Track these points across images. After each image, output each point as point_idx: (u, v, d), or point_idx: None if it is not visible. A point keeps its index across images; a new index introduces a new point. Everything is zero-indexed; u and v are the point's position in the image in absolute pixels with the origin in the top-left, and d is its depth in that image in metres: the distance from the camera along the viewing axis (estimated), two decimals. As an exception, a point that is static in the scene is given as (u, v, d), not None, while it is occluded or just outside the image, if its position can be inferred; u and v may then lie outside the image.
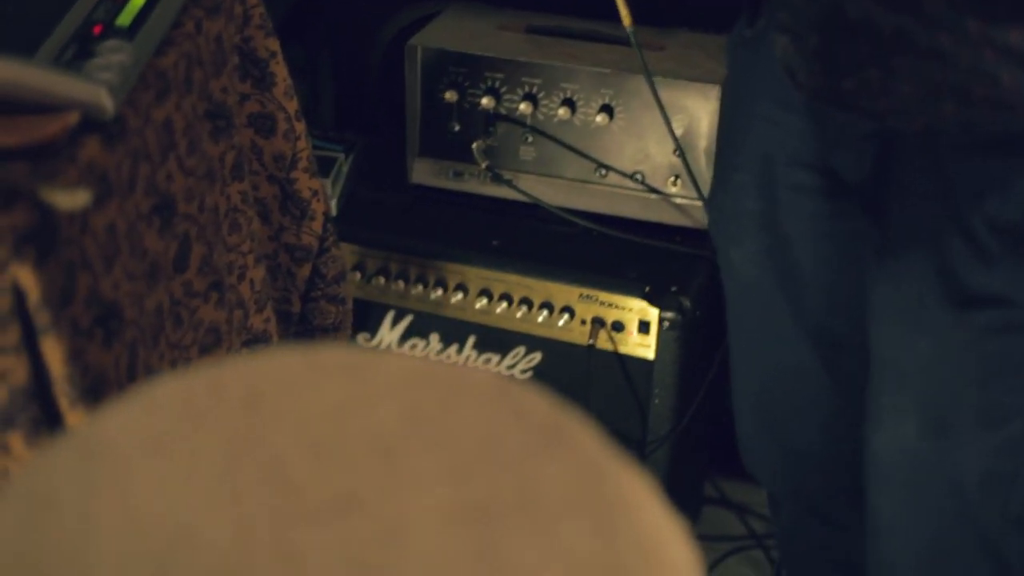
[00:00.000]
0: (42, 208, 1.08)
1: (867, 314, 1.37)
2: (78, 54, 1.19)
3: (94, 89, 1.16)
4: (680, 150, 1.87)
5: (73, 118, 1.14)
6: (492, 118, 1.91)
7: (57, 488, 0.71)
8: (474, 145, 1.92)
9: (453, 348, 1.91)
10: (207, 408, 0.73)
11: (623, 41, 1.93)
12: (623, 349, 1.84)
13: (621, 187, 1.92)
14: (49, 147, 1.13)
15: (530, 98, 1.89)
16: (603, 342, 1.84)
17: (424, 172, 1.97)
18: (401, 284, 1.89)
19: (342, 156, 1.96)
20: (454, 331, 1.90)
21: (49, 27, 1.21)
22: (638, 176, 1.91)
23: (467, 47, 1.90)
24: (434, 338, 1.91)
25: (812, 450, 1.58)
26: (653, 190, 1.91)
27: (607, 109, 1.88)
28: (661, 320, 1.81)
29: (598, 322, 1.84)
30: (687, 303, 1.81)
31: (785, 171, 1.41)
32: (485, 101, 1.90)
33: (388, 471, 0.70)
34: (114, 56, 1.20)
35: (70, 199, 1.07)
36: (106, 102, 1.16)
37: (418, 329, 1.91)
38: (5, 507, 0.71)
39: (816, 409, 1.55)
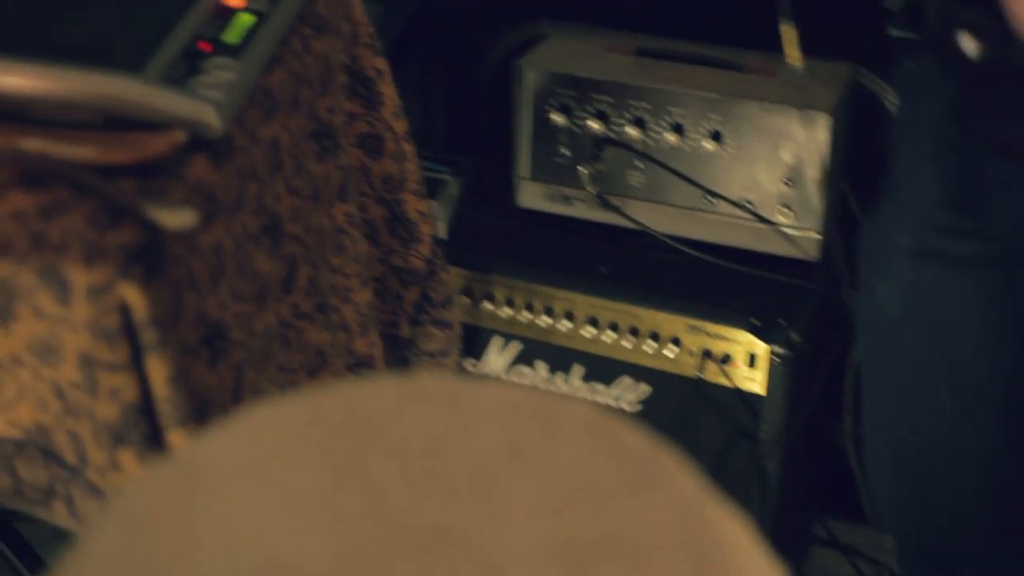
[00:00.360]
0: (149, 227, 1.07)
1: None
2: (186, 71, 1.19)
3: (201, 107, 1.16)
4: (789, 180, 1.83)
5: (180, 136, 1.14)
6: (600, 142, 1.89)
7: (156, 510, 0.70)
8: (582, 170, 1.90)
9: (559, 376, 1.89)
10: (306, 434, 0.72)
11: (733, 66, 1.91)
12: (731, 382, 1.80)
13: (730, 215, 1.89)
14: (156, 165, 1.13)
15: (638, 122, 1.87)
16: (711, 374, 1.81)
17: (532, 196, 1.96)
18: (508, 310, 1.88)
19: (451, 178, 1.95)
20: (561, 359, 1.88)
21: (156, 43, 1.21)
22: (747, 204, 1.88)
23: (575, 69, 1.88)
24: (540, 365, 1.89)
25: (967, 512, 1.49)
26: (762, 219, 1.88)
27: (716, 135, 1.85)
28: (770, 354, 1.77)
29: (706, 354, 1.81)
30: (796, 337, 1.78)
31: (941, 213, 1.35)
32: (593, 125, 1.88)
33: (484, 504, 0.68)
34: (222, 74, 1.20)
35: (176, 218, 1.07)
36: (213, 120, 1.16)
37: (525, 356, 1.89)
38: (105, 527, 0.70)
39: (975, 474, 1.45)
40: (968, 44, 1.19)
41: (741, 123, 1.84)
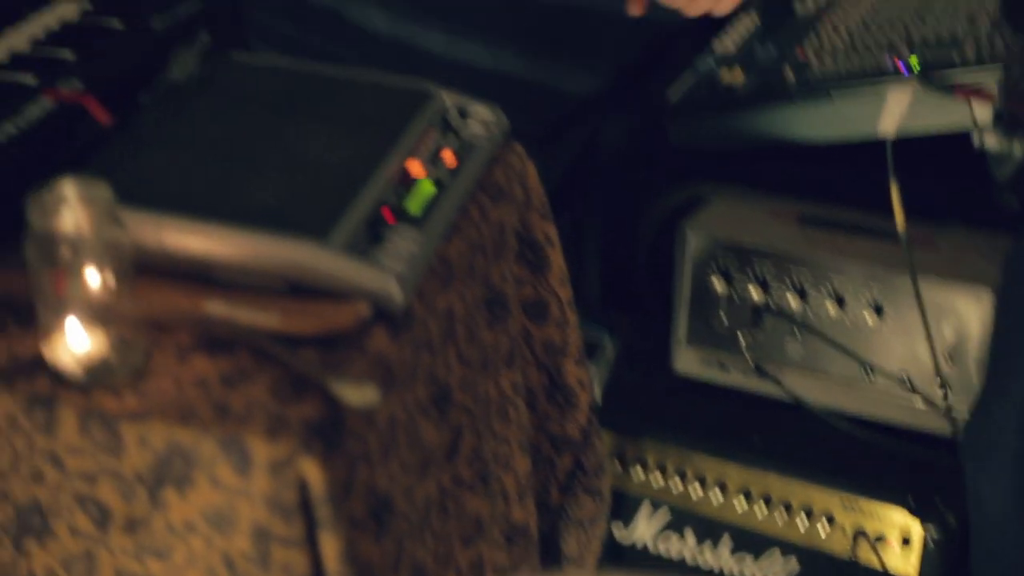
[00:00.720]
0: (331, 401, 1.07)
1: None
2: (369, 241, 1.19)
3: (386, 279, 1.16)
4: (949, 357, 1.79)
5: (365, 310, 1.13)
6: (760, 310, 1.86)
7: None
8: (741, 338, 1.87)
9: (707, 546, 1.85)
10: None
11: (895, 236, 1.88)
12: (883, 565, 1.75)
13: (888, 390, 1.85)
14: (338, 336, 1.13)
15: (799, 292, 1.84)
16: (863, 553, 1.76)
17: (688, 361, 1.93)
18: (659, 476, 1.85)
19: (607, 340, 1.94)
20: (709, 528, 1.84)
21: (341, 210, 1.21)
22: (906, 380, 1.84)
23: (738, 236, 1.86)
24: (689, 534, 1.86)
25: None
26: (921, 396, 1.83)
27: (877, 307, 1.82)
28: (925, 537, 1.72)
29: (859, 533, 1.76)
30: (952, 520, 1.73)
31: None
32: (753, 292, 1.85)
33: None
34: (405, 244, 1.19)
35: (360, 395, 1.06)
36: (396, 293, 1.16)
37: (674, 523, 1.86)
38: None
39: None
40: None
41: (903, 296, 1.80)
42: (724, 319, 1.89)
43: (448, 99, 1.42)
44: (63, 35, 1.62)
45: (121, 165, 1.26)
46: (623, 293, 2.14)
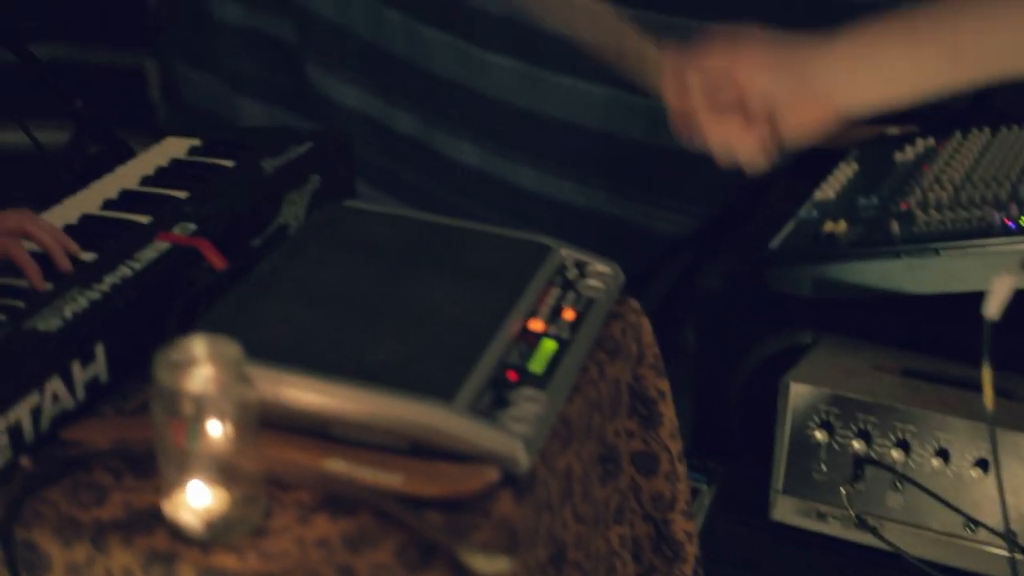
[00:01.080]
0: (459, 568, 1.04)
1: None
2: (494, 401, 1.17)
3: (513, 443, 1.14)
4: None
5: (495, 475, 1.11)
6: (861, 462, 1.83)
7: None
8: (842, 489, 1.84)
9: None
10: None
11: (1003, 392, 1.84)
12: None
13: (990, 545, 1.81)
14: (464, 500, 1.11)
15: (902, 445, 1.81)
16: None
17: (786, 510, 1.90)
18: (750, 627, 1.81)
19: (705, 487, 1.91)
20: None
21: (465, 370, 1.19)
22: (1011, 537, 1.80)
23: (842, 388, 1.83)
24: None
25: None
26: (1024, 552, 1.79)
27: (982, 463, 1.79)
28: None
29: None
30: None
31: None
32: (856, 444, 1.82)
33: None
34: (529, 406, 1.18)
35: (491, 565, 1.04)
36: (523, 458, 1.14)
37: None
38: None
39: None
40: None
41: (1009, 453, 1.77)
42: (824, 469, 1.85)
43: (566, 254, 1.41)
44: (172, 173, 1.63)
45: (240, 315, 1.26)
46: (718, 438, 2.11)
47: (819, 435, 1.84)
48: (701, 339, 2.15)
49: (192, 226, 1.44)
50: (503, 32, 2.41)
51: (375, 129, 2.62)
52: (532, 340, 1.26)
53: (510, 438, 1.14)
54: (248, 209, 1.51)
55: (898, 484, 1.82)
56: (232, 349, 1.07)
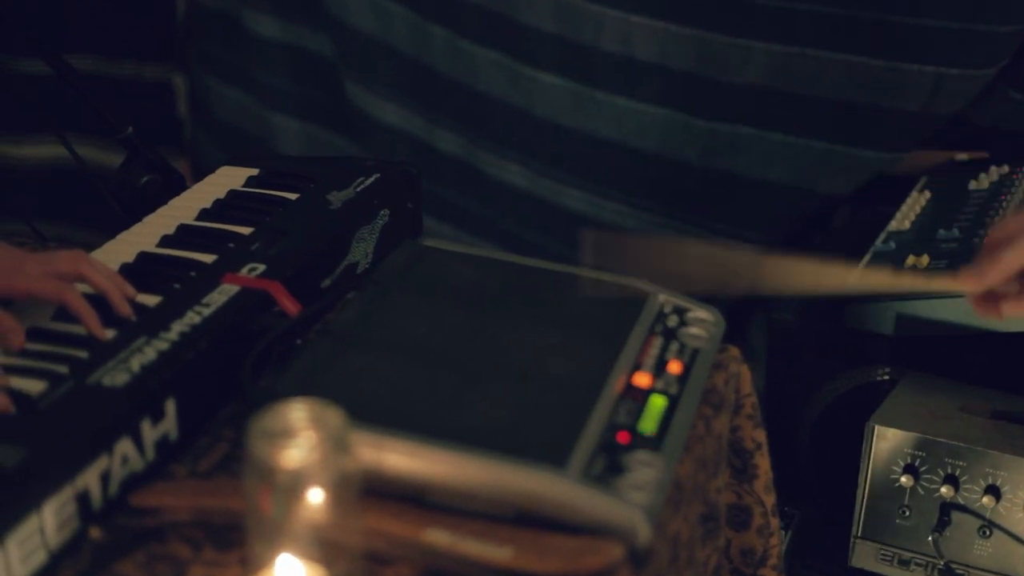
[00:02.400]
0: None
1: None
2: (607, 467, 1.08)
3: (633, 514, 1.05)
4: None
5: (619, 553, 1.02)
6: (948, 507, 1.74)
7: None
8: (930, 537, 1.75)
9: None
10: None
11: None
12: None
13: (1080, 594, 1.73)
14: (580, 577, 1.02)
15: (993, 491, 1.72)
16: None
17: (866, 556, 1.81)
18: None
19: (782, 533, 1.82)
20: None
21: (575, 432, 1.10)
22: (1102, 585, 1.71)
23: (929, 431, 1.74)
24: None
25: None
26: (1116, 600, 1.71)
27: (1075, 509, 1.70)
28: None
29: None
30: None
31: None
32: (943, 489, 1.73)
33: None
34: (645, 471, 1.09)
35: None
36: (644, 531, 1.05)
37: None
38: None
39: None
40: None
41: (1104, 500, 1.69)
42: (908, 514, 1.77)
43: (664, 299, 1.32)
44: (232, 206, 1.54)
45: (327, 372, 1.16)
46: (789, 479, 2.03)
47: (904, 479, 1.75)
48: (771, 375, 2.06)
49: (261, 267, 1.35)
50: (553, 50, 2.32)
51: (416, 148, 2.53)
52: (640, 397, 1.17)
53: (630, 509, 1.05)
54: (318, 247, 1.42)
55: (987, 531, 1.74)
56: (334, 417, 0.98)
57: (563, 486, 1.05)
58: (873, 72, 2.16)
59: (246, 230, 1.45)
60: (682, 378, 1.22)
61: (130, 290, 1.30)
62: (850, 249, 2.04)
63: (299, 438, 0.96)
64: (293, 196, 1.53)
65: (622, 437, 1.12)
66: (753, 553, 1.43)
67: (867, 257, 1.98)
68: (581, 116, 2.34)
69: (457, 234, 2.53)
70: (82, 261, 1.30)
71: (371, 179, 1.55)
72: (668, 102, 2.28)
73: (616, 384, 1.17)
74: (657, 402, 1.17)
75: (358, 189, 1.53)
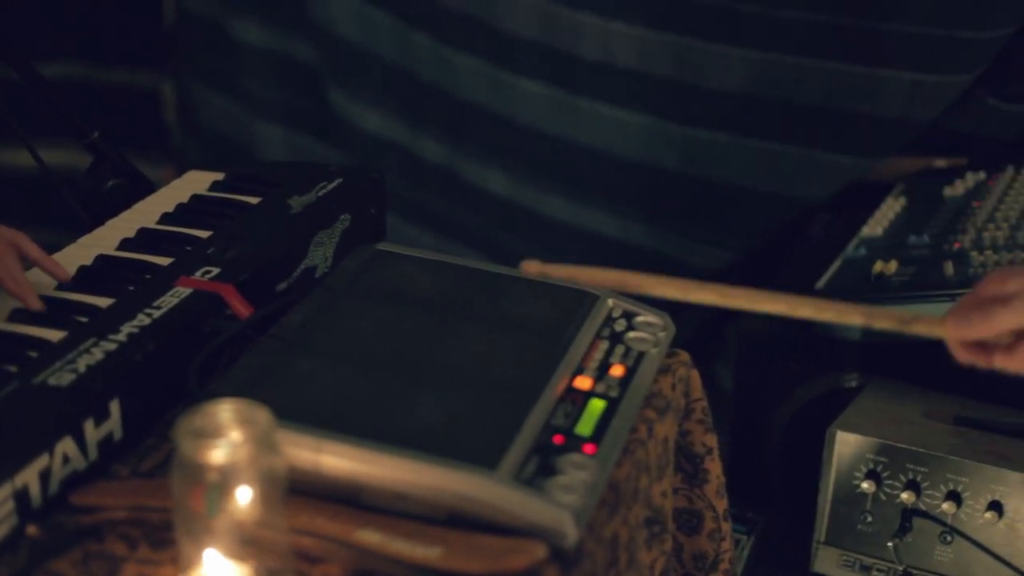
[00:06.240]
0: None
1: None
2: (540, 469, 1.09)
3: (560, 515, 1.06)
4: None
5: (542, 552, 1.03)
6: (909, 514, 1.75)
7: None
8: (889, 543, 1.75)
9: None
10: None
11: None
12: None
13: (1045, 601, 1.73)
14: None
15: (954, 497, 1.73)
16: None
17: (828, 562, 1.81)
18: None
19: (745, 538, 1.83)
20: None
21: (509, 435, 1.11)
22: (1065, 592, 1.72)
23: (891, 437, 1.75)
24: None
25: None
26: (1081, 607, 1.71)
27: (1038, 515, 1.71)
28: None
29: None
30: None
31: None
32: (904, 495, 1.74)
33: None
34: (578, 473, 1.10)
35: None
36: (572, 531, 1.06)
37: None
38: None
39: None
40: None
41: (1066, 506, 1.69)
42: (870, 520, 1.77)
43: (614, 303, 1.33)
44: (194, 210, 1.55)
45: (268, 374, 1.18)
46: (756, 485, 2.03)
47: (866, 485, 1.76)
48: (739, 381, 2.07)
49: (215, 270, 1.37)
50: (534, 57, 2.34)
51: (400, 156, 2.55)
52: (579, 400, 1.18)
53: (558, 510, 1.06)
54: (275, 251, 1.43)
55: (948, 537, 1.74)
56: (262, 416, 0.99)
57: (493, 488, 1.06)
58: (850, 78, 2.17)
59: (206, 234, 1.47)
60: (624, 381, 1.23)
61: (63, 273, 1.34)
62: (826, 255, 2.05)
63: (226, 437, 0.98)
64: (255, 200, 1.55)
65: (557, 439, 1.13)
66: (705, 557, 1.43)
67: (837, 263, 1.98)
68: (562, 122, 2.36)
69: (439, 241, 2.54)
70: (20, 236, 1.33)
71: (333, 184, 1.57)
72: (647, 108, 2.29)
73: (556, 387, 1.18)
74: (596, 405, 1.18)
75: (319, 194, 1.54)
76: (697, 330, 2.22)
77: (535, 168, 2.40)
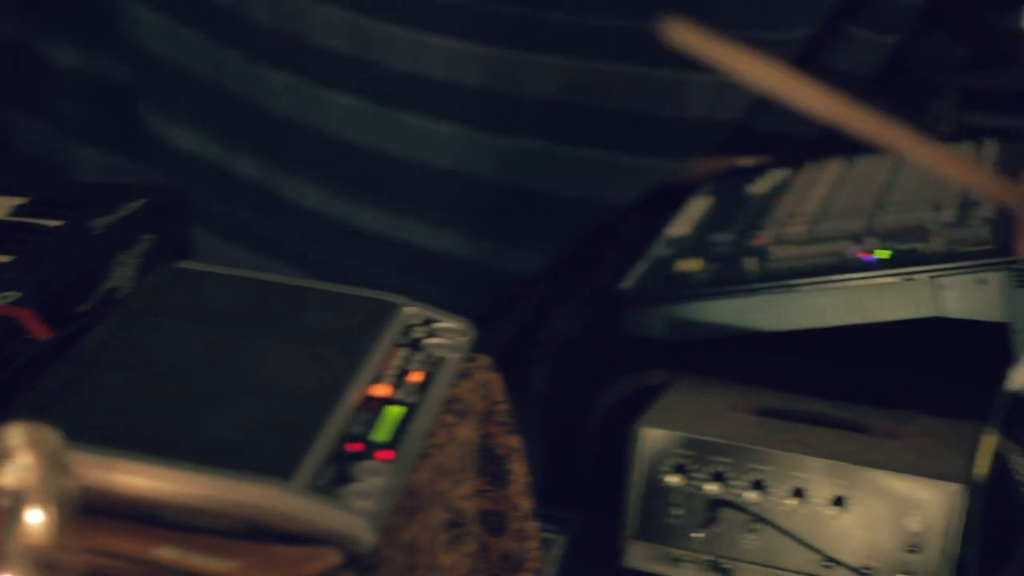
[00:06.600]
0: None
1: None
2: (336, 477, 1.12)
3: (354, 521, 1.09)
4: (913, 548, 1.74)
5: (335, 558, 1.06)
6: (716, 504, 1.80)
7: None
8: (695, 532, 1.81)
9: None
10: None
11: (859, 427, 1.84)
12: None
13: (849, 583, 1.80)
14: (304, 585, 1.06)
15: (758, 486, 1.79)
16: None
17: (639, 556, 1.86)
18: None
19: (557, 536, 1.87)
20: None
21: (304, 445, 1.14)
22: (867, 572, 1.79)
23: (695, 431, 1.80)
24: None
25: None
26: (883, 587, 1.78)
27: (838, 500, 1.77)
28: None
29: None
30: None
31: None
32: (710, 487, 1.80)
33: None
34: (374, 480, 1.13)
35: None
36: (366, 536, 1.09)
37: None
38: None
39: None
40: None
41: (866, 490, 1.76)
42: (678, 513, 1.83)
43: (414, 312, 1.36)
44: (-6, 234, 1.55)
45: (63, 394, 1.19)
46: (572, 486, 2.08)
47: (672, 479, 1.81)
48: (552, 383, 2.11)
49: (14, 294, 1.37)
50: (345, 70, 2.36)
51: (215, 174, 2.55)
52: (376, 407, 1.21)
53: (351, 516, 1.08)
54: (74, 273, 1.44)
55: (754, 526, 1.80)
56: (51, 437, 1.00)
57: (288, 498, 1.08)
58: (656, 82, 2.23)
59: (7, 259, 1.47)
60: (422, 387, 1.26)
61: None
62: (634, 256, 2.11)
63: (14, 459, 0.99)
64: (57, 223, 1.55)
65: (353, 447, 1.16)
66: (511, 558, 1.47)
67: (642, 264, 2.04)
68: (375, 136, 2.38)
69: (258, 258, 2.55)
70: None
71: (136, 204, 1.58)
72: (461, 119, 2.33)
73: (354, 396, 1.21)
74: (393, 412, 1.21)
75: (121, 214, 1.55)
76: (513, 337, 2.26)
77: (349, 181, 2.42)
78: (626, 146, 2.30)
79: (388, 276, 2.39)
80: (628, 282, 2.00)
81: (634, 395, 1.97)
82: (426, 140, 2.34)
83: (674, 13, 2.16)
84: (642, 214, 2.32)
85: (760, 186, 2.25)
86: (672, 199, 2.31)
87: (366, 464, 1.14)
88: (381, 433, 1.18)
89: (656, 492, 1.82)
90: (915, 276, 1.86)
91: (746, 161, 2.42)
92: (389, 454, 1.16)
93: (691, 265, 1.98)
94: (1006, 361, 1.73)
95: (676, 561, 1.85)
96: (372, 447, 1.16)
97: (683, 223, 2.16)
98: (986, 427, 1.73)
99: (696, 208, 2.22)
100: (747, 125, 2.36)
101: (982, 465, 1.73)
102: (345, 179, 2.43)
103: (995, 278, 1.84)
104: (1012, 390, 1.67)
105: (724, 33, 2.16)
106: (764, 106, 2.30)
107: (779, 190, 2.22)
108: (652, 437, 1.80)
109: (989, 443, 1.73)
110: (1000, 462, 1.84)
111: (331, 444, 1.15)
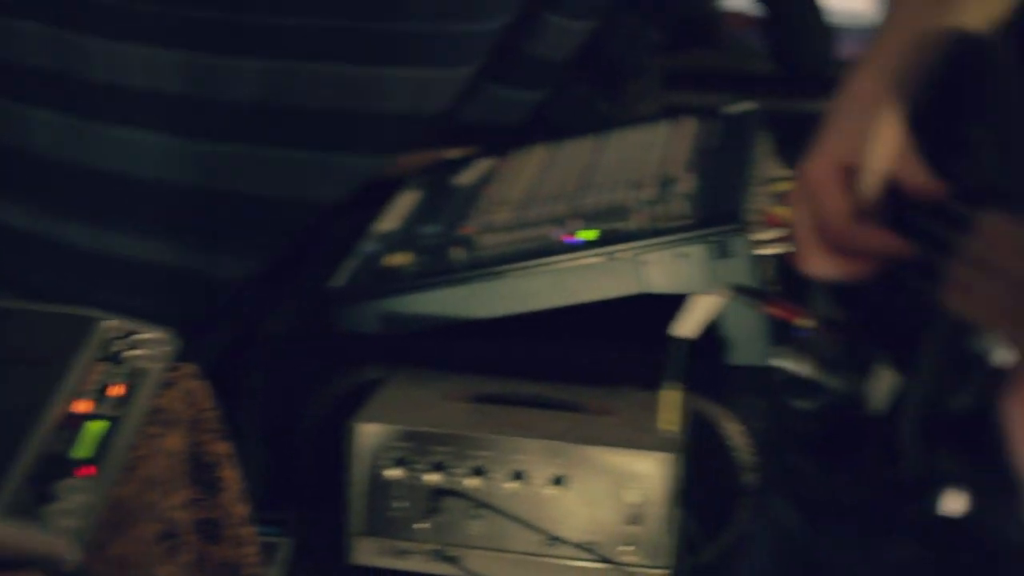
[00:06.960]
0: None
1: None
2: (37, 498, 1.11)
3: (54, 542, 1.08)
4: (634, 518, 1.80)
5: (37, 581, 1.05)
6: (438, 494, 1.83)
7: None
8: (415, 525, 1.83)
9: None
10: None
11: (574, 406, 1.89)
12: None
13: (572, 558, 1.84)
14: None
15: (478, 472, 1.82)
16: None
17: (366, 552, 1.87)
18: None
19: (282, 539, 1.87)
20: None
21: (3, 464, 1.12)
22: (590, 547, 1.84)
23: (411, 423, 1.82)
24: None
25: None
26: (605, 560, 1.83)
27: (557, 479, 1.81)
28: None
29: None
30: None
31: None
32: (431, 477, 1.82)
33: None
34: (75, 497, 1.12)
35: None
36: (69, 555, 1.08)
37: None
38: None
39: None
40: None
41: (583, 467, 1.80)
42: (401, 506, 1.84)
43: (113, 325, 1.35)
44: None
45: None
46: (294, 487, 2.08)
47: (393, 473, 1.83)
48: (268, 386, 2.11)
49: None
50: (43, 84, 2.30)
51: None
52: (77, 424, 1.20)
53: (52, 536, 1.07)
54: None
55: (477, 512, 1.83)
56: None
57: (-15, 525, 1.07)
58: (357, 79, 2.24)
59: None
60: (124, 400, 1.25)
61: None
62: (344, 253, 2.12)
63: None
64: None
65: (55, 467, 1.14)
66: (228, 564, 1.47)
67: (350, 260, 2.05)
68: (77, 149, 2.33)
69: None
70: None
71: None
72: (163, 127, 2.30)
73: (53, 415, 1.20)
74: (94, 427, 1.20)
75: None
76: (228, 343, 2.24)
77: (53, 197, 2.36)
78: (332, 145, 2.30)
79: (100, 292, 2.34)
80: (338, 280, 2.01)
81: (352, 392, 1.98)
82: (128, 151, 2.30)
83: (367, 9, 2.18)
84: (351, 211, 2.33)
85: (467, 177, 2.28)
86: (381, 195, 2.33)
87: (67, 482, 1.13)
88: (82, 450, 1.17)
89: (378, 487, 1.84)
90: (619, 255, 1.92)
91: (453, 153, 2.46)
92: (91, 470, 1.15)
93: (400, 259, 2.00)
94: (711, 332, 1.81)
95: (403, 553, 1.86)
96: (73, 464, 1.15)
97: (392, 218, 2.18)
98: (665, 382, 1.79)
99: (404, 202, 2.24)
100: (452, 117, 2.39)
101: (668, 420, 1.79)
102: (48, 195, 2.37)
103: (696, 251, 1.91)
104: (675, 336, 1.72)
105: (420, 27, 2.20)
106: (469, 99, 2.33)
107: (486, 179, 2.26)
108: (369, 432, 1.82)
109: (672, 397, 1.80)
110: (713, 430, 1.92)
111: (30, 465, 1.13)
